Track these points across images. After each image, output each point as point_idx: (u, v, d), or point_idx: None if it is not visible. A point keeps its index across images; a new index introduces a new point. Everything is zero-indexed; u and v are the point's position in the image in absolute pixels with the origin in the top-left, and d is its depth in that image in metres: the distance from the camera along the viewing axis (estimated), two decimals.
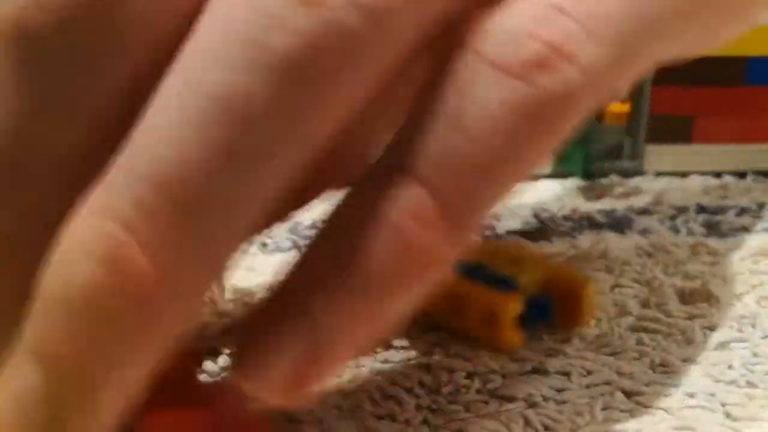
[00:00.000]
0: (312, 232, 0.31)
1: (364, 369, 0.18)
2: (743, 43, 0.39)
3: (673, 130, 0.40)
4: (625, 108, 0.52)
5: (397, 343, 0.19)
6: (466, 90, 0.11)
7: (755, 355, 0.19)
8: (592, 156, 0.37)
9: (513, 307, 0.19)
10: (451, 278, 0.20)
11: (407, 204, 0.11)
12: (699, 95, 0.39)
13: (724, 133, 0.40)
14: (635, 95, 0.40)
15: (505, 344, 0.19)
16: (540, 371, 0.18)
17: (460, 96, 0.11)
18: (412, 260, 0.11)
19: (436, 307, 0.21)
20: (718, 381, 0.17)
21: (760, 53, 0.39)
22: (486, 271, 0.21)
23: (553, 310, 0.20)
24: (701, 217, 0.32)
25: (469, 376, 0.17)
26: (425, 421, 0.16)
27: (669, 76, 0.39)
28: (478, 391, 0.17)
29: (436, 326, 0.20)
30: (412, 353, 0.19)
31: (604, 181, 0.39)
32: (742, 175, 0.40)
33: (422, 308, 0.21)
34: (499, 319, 0.19)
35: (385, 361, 0.18)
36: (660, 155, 0.40)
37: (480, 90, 0.11)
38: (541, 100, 0.11)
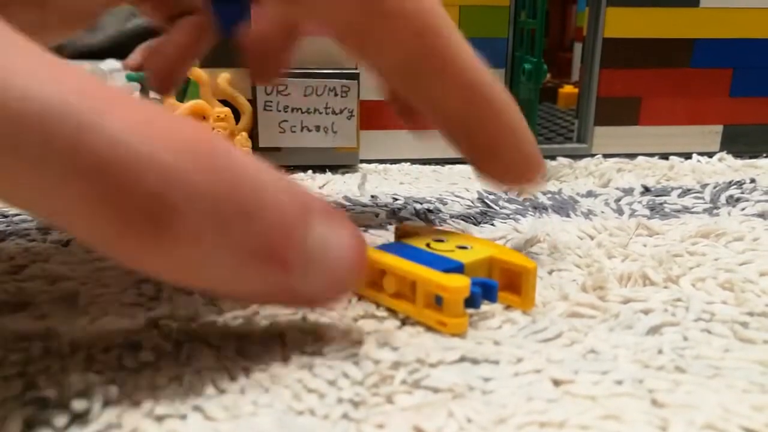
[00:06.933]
0: None
1: (290, 362, 0.17)
2: (689, 26, 0.39)
3: (621, 112, 0.40)
4: (575, 91, 0.51)
5: (327, 333, 0.18)
6: None
7: (686, 339, 0.18)
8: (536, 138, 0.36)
9: (461, 289, 0.18)
10: (396, 262, 0.19)
11: None
12: (646, 77, 0.39)
13: (670, 114, 0.40)
14: (584, 77, 0.40)
15: (452, 328, 0.18)
16: (469, 359, 0.17)
17: None
18: None
19: (382, 292, 0.20)
20: (647, 367, 0.17)
21: (705, 36, 0.39)
22: (431, 254, 0.21)
23: (497, 292, 0.20)
24: (645, 199, 0.32)
25: (395, 366, 0.17)
26: (345, 416, 0.15)
27: (617, 58, 0.39)
28: (403, 382, 0.16)
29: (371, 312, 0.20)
30: (342, 344, 0.18)
31: (552, 163, 0.39)
32: (688, 156, 0.40)
33: (365, 292, 0.20)
34: (446, 302, 0.18)
35: (313, 354, 0.18)
36: (608, 137, 0.40)
37: None
38: None
